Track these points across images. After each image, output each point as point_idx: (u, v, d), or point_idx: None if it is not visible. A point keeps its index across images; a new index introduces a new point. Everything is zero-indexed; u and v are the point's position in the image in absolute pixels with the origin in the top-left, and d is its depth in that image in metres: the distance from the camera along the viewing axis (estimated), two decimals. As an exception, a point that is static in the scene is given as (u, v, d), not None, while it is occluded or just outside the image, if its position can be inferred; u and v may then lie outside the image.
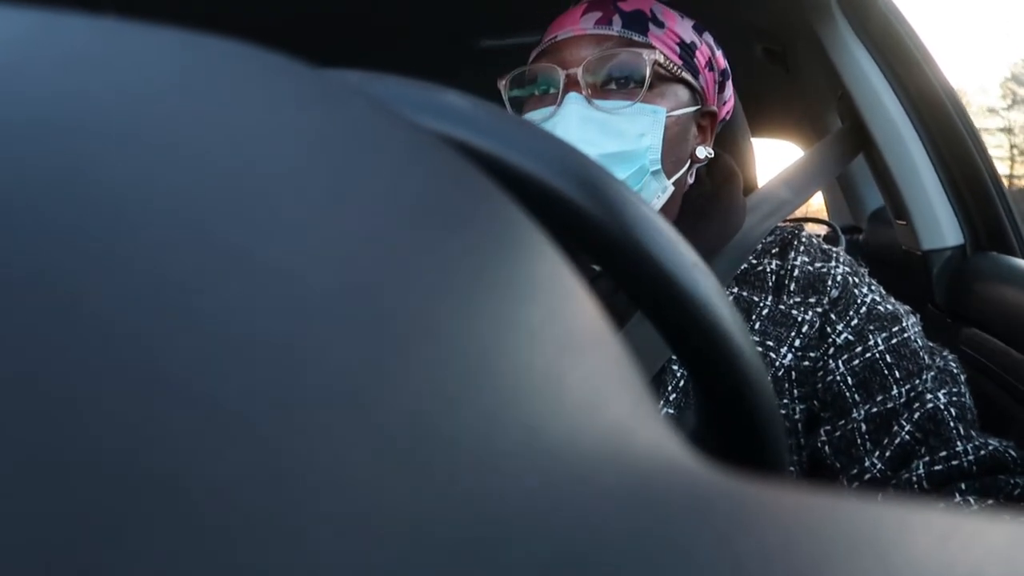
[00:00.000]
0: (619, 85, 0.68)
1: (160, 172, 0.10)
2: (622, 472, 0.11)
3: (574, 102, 0.67)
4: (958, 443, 0.62)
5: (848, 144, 1.03)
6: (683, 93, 0.72)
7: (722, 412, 0.30)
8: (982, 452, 0.62)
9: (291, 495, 0.08)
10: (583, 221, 0.26)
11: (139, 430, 0.08)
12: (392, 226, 0.12)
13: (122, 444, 0.07)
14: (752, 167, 0.90)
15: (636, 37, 0.69)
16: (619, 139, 0.67)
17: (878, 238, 1.51)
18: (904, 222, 1.07)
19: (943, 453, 0.62)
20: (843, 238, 1.41)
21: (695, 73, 0.72)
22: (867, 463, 0.65)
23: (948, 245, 1.02)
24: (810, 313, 0.69)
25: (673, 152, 0.71)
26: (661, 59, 0.68)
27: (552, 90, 0.70)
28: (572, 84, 0.68)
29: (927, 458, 0.63)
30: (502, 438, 0.10)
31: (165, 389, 0.08)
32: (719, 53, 0.77)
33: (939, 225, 1.01)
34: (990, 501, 0.59)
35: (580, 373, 0.12)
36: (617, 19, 0.70)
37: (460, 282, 0.11)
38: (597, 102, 0.67)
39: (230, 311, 0.09)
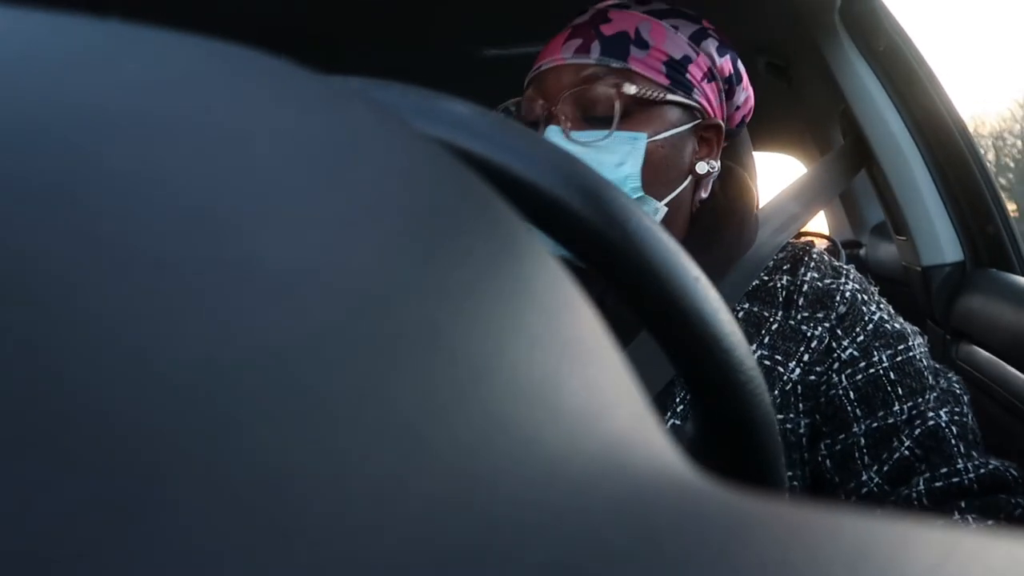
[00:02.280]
0: (594, 117, 0.69)
1: (163, 175, 0.10)
2: (620, 484, 0.11)
3: (553, 135, 0.68)
4: (959, 460, 0.62)
5: (851, 159, 1.03)
6: (671, 114, 0.71)
7: (721, 425, 0.30)
8: (982, 471, 0.62)
9: (284, 500, 0.08)
10: (585, 231, 0.26)
11: (135, 431, 0.08)
12: (392, 232, 0.12)
13: (119, 445, 0.07)
14: (754, 181, 0.90)
15: (614, 63, 0.69)
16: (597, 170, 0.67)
17: (878, 253, 1.52)
18: (904, 238, 1.08)
19: (944, 470, 0.62)
20: (843, 253, 1.41)
21: (688, 89, 0.71)
22: (864, 477, 0.65)
23: (948, 261, 1.02)
24: (819, 329, 0.69)
25: (663, 174, 0.70)
26: (633, 91, 0.68)
27: (539, 123, 0.71)
28: (551, 117, 0.69)
29: (928, 474, 0.63)
30: (498, 448, 0.10)
31: (162, 388, 0.08)
32: (724, 59, 0.74)
33: (939, 241, 1.01)
34: (991, 521, 0.59)
35: (579, 383, 0.12)
36: (596, 46, 0.69)
37: (458, 290, 0.11)
38: (574, 134, 0.68)
39: (229, 317, 0.09)
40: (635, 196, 0.68)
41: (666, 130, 0.70)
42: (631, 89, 0.68)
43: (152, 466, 0.07)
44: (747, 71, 0.78)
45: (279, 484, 0.08)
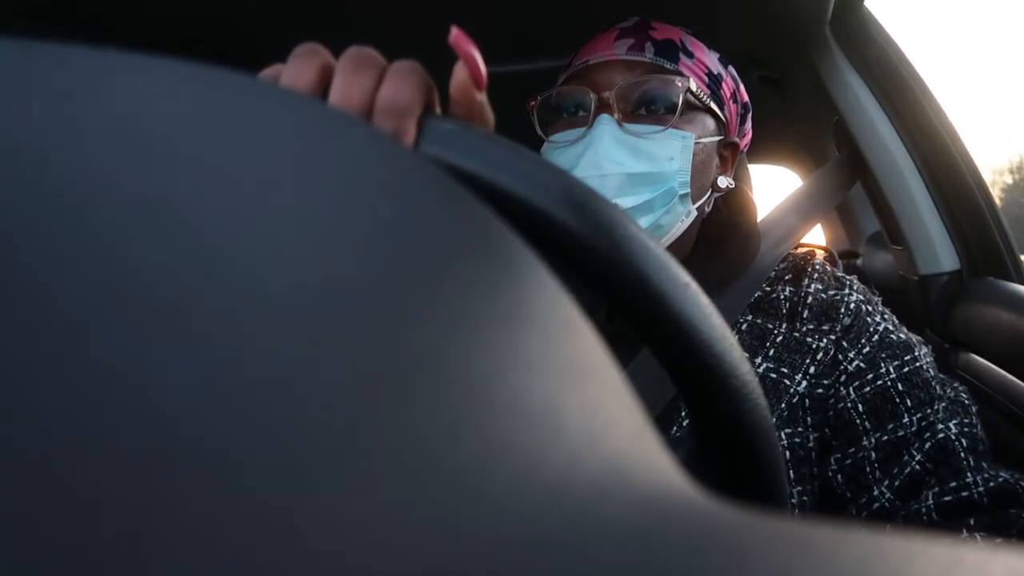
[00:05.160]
0: (650, 111, 0.69)
1: (159, 201, 0.10)
2: (621, 505, 0.11)
3: (606, 123, 0.67)
4: (968, 474, 0.61)
5: (846, 171, 1.04)
6: (710, 122, 0.73)
7: (719, 435, 0.29)
8: (992, 484, 0.61)
9: (289, 530, 0.08)
10: (572, 242, 0.26)
11: (139, 461, 0.08)
12: (391, 255, 0.12)
13: (120, 492, 0.07)
14: (752, 194, 0.91)
15: (667, 65, 0.70)
16: (649, 161, 0.68)
17: (875, 263, 1.52)
18: (901, 247, 1.08)
19: (953, 484, 0.61)
20: (840, 264, 1.41)
21: (721, 104, 0.73)
22: (875, 492, 0.64)
23: (945, 270, 1.02)
24: (824, 340, 0.69)
25: (699, 178, 0.71)
26: (693, 87, 0.69)
27: (582, 112, 0.71)
28: (604, 107, 0.69)
29: (937, 489, 0.62)
30: (500, 471, 0.10)
31: (162, 423, 0.08)
32: (742, 87, 0.78)
33: (935, 250, 1.01)
34: (1000, 539, 0.58)
35: (579, 403, 0.12)
36: (649, 46, 0.71)
37: (457, 313, 0.11)
38: (628, 125, 0.68)
39: (232, 347, 0.09)
40: (682, 192, 0.69)
41: (706, 136, 0.72)
42: (692, 85, 0.69)
43: (155, 505, 0.07)
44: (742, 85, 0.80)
45: (280, 517, 0.08)
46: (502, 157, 0.26)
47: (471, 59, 0.32)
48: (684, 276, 0.27)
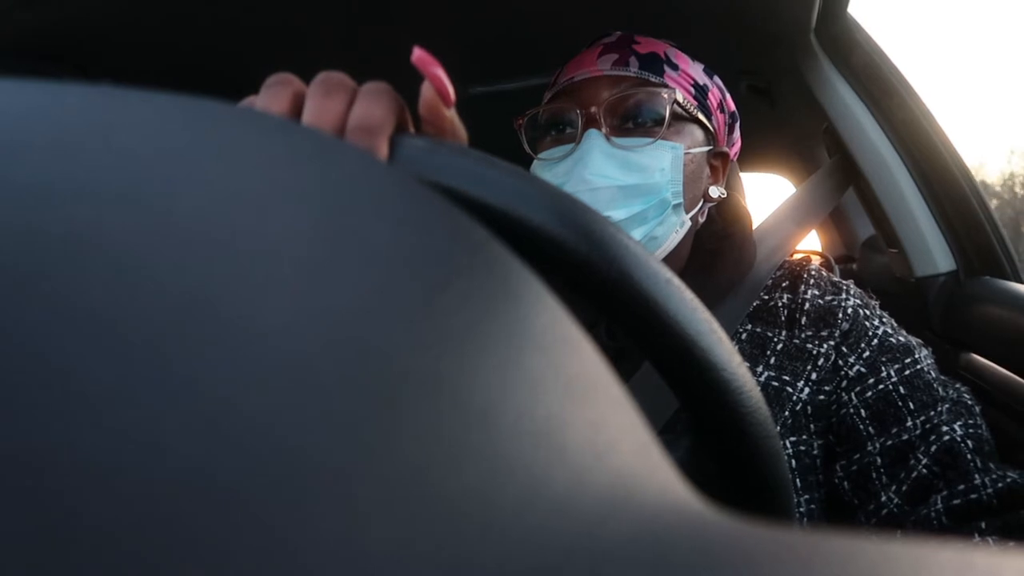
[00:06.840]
0: (638, 124, 0.69)
1: (157, 240, 0.10)
2: (628, 519, 0.11)
3: (594, 138, 0.68)
4: (976, 476, 0.61)
5: (838, 177, 1.04)
6: (698, 133, 0.73)
7: (723, 448, 0.29)
8: (1000, 485, 0.60)
9: (292, 558, 0.08)
10: (556, 250, 0.26)
11: (134, 509, 0.08)
12: (389, 280, 0.12)
13: (119, 523, 0.07)
14: (744, 202, 0.91)
15: (653, 78, 0.71)
16: (640, 173, 0.68)
17: (871, 267, 1.52)
18: (896, 250, 1.08)
19: (961, 486, 0.61)
20: (837, 268, 1.41)
21: (708, 114, 0.74)
22: (883, 498, 0.64)
23: (941, 271, 1.02)
24: (824, 346, 0.69)
25: (690, 189, 0.72)
26: (680, 98, 0.69)
27: (570, 129, 0.71)
28: (591, 122, 0.69)
29: (945, 492, 0.61)
30: (505, 494, 0.10)
31: (161, 465, 0.08)
32: (728, 97, 0.78)
33: (931, 252, 1.02)
34: (1011, 542, 0.57)
35: (583, 420, 0.12)
36: (634, 60, 0.71)
37: (458, 335, 0.11)
38: (617, 139, 0.68)
39: (229, 379, 0.09)
40: (675, 202, 0.69)
41: (695, 147, 0.72)
42: (679, 97, 0.69)
43: (154, 545, 0.07)
44: (730, 94, 0.80)
45: (282, 546, 0.08)
46: (474, 169, 0.27)
47: (435, 78, 0.32)
48: (666, 272, 0.27)
